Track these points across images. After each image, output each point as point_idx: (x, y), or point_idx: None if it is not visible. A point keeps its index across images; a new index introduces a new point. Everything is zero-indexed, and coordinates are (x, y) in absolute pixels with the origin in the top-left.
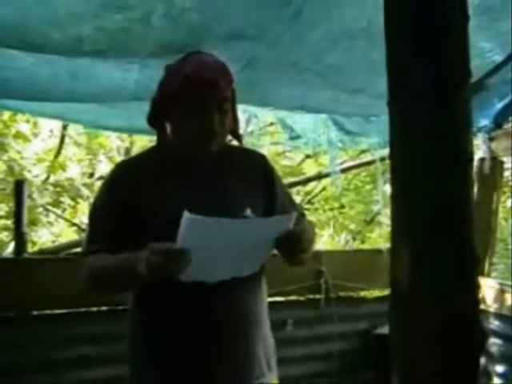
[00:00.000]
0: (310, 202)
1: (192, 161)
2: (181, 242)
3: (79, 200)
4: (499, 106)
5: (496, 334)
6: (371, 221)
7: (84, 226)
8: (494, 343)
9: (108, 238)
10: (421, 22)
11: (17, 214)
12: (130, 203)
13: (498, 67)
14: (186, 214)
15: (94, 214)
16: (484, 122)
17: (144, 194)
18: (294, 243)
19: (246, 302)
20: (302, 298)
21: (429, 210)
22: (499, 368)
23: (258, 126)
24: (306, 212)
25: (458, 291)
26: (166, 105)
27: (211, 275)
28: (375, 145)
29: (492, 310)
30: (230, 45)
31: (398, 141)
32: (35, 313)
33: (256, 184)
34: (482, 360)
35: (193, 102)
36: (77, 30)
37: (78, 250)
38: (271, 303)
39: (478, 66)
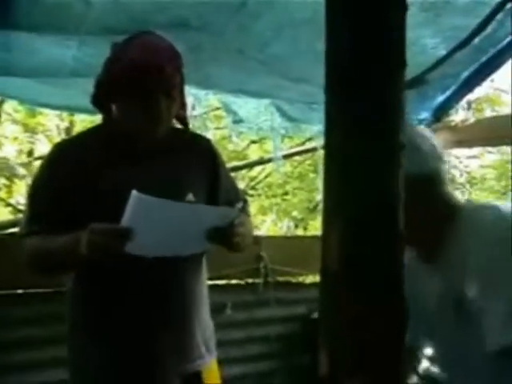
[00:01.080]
0: (253, 187)
1: (138, 144)
2: (126, 220)
3: (15, 180)
4: (440, 99)
5: None
6: (314, 208)
7: (20, 207)
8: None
9: (48, 218)
10: (359, 11)
11: None
12: (71, 183)
13: (440, 62)
14: (134, 193)
15: (33, 194)
16: (424, 115)
17: (87, 175)
18: (228, 237)
19: (185, 284)
20: (241, 282)
21: (359, 197)
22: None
23: (204, 110)
24: (250, 198)
25: (386, 275)
26: (111, 87)
27: (152, 251)
28: (318, 132)
29: None
30: (173, 32)
31: (332, 128)
32: None
33: (200, 168)
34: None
35: (138, 87)
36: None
37: (13, 230)
38: (211, 286)
39: (420, 61)
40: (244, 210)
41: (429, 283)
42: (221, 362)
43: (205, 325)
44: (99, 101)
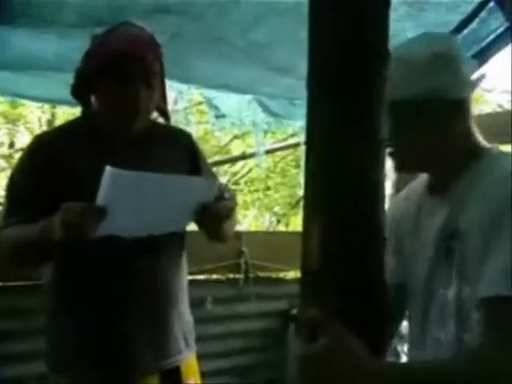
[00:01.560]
0: (235, 182)
1: (117, 137)
2: (101, 196)
3: None
4: None
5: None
6: (296, 204)
7: (1, 199)
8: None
9: (27, 209)
10: (342, 3)
11: None
12: (50, 175)
13: None
14: (108, 168)
15: (12, 186)
16: None
17: (66, 167)
18: (215, 215)
19: (164, 277)
20: (221, 277)
21: (340, 193)
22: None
23: (186, 105)
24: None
25: (367, 268)
26: (91, 78)
27: (128, 230)
28: (300, 128)
29: None
30: (154, 19)
31: (314, 124)
32: None
33: (181, 163)
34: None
35: (118, 76)
36: None
37: None
38: (191, 281)
39: None
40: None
41: (433, 214)
42: (201, 357)
43: (184, 319)
44: (79, 92)
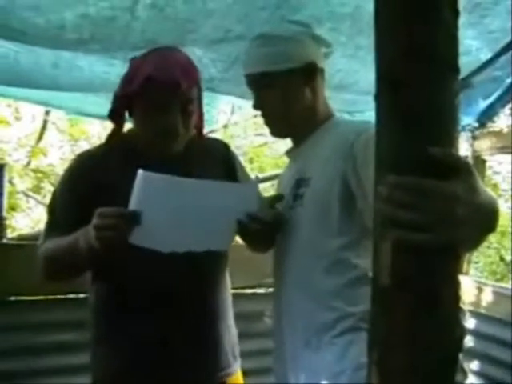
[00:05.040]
0: None
1: (155, 159)
2: (134, 203)
3: None
4: (483, 104)
5: (472, 332)
6: None
7: None
8: (470, 340)
9: (67, 226)
10: (410, 17)
11: None
12: (90, 197)
13: (485, 65)
14: (140, 171)
15: (53, 206)
16: (467, 120)
17: (104, 185)
18: (260, 225)
19: (210, 295)
20: None
21: None
22: (473, 365)
23: (243, 118)
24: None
25: (440, 288)
26: (128, 101)
27: (165, 244)
28: None
29: (468, 307)
30: (218, 47)
31: (382, 133)
32: (13, 298)
33: (217, 176)
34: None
35: (154, 103)
36: (60, 16)
37: None
38: (252, 294)
39: (464, 63)
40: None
41: (289, 170)
42: (260, 372)
43: (231, 332)
44: (116, 115)
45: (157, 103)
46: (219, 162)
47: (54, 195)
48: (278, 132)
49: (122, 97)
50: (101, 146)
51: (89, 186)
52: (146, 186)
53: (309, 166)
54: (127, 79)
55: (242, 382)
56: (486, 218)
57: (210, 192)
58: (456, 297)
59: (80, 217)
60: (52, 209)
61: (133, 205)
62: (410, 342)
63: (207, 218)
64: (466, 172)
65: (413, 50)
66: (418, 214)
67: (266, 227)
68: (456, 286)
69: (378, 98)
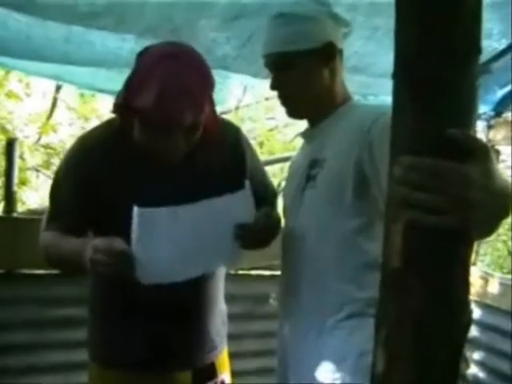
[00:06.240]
0: None
1: (158, 162)
2: (136, 240)
3: None
4: (500, 93)
5: (477, 322)
6: None
7: None
8: (475, 331)
9: (69, 216)
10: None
11: (7, 173)
12: (92, 189)
13: (505, 51)
14: (136, 209)
15: (56, 190)
16: (484, 108)
17: (108, 182)
18: (256, 233)
19: (205, 277)
20: None
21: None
22: (477, 355)
23: (255, 99)
24: None
25: (451, 272)
26: (131, 112)
27: (176, 274)
28: None
29: (474, 298)
30: (232, 24)
31: (399, 118)
32: (23, 271)
33: (225, 163)
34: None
35: (154, 128)
36: None
37: None
38: (257, 276)
39: (483, 47)
40: (270, 203)
41: (304, 151)
42: (266, 353)
43: (219, 313)
44: (120, 112)
45: (157, 130)
46: (229, 151)
47: (56, 183)
48: (295, 113)
49: (126, 101)
50: (101, 136)
51: (91, 179)
52: (143, 222)
53: (324, 147)
54: (131, 87)
55: (227, 360)
56: (500, 203)
57: (206, 211)
58: (466, 281)
59: (82, 207)
60: (54, 198)
61: (135, 243)
62: (418, 325)
63: (210, 238)
64: (482, 155)
65: (433, 28)
66: (431, 195)
67: (263, 232)
68: (466, 270)
69: (395, 76)
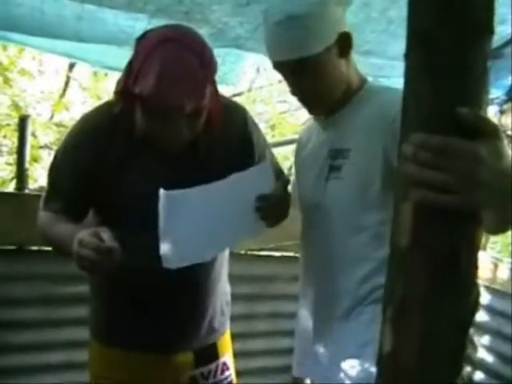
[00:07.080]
0: None
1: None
2: (164, 224)
3: None
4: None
5: (486, 307)
6: None
7: None
8: (483, 316)
9: (67, 199)
10: None
11: (20, 150)
12: (93, 172)
13: None
14: (162, 192)
15: (54, 171)
16: (496, 93)
17: (110, 164)
18: (275, 203)
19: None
20: (297, 254)
21: None
22: (484, 340)
23: (268, 82)
24: None
25: (460, 251)
26: (131, 99)
27: (203, 253)
28: None
29: (483, 283)
30: (245, 10)
31: (411, 96)
32: (34, 248)
33: (232, 145)
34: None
35: (155, 116)
36: None
37: None
38: (267, 257)
39: (497, 31)
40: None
41: (319, 138)
42: (274, 334)
43: (223, 294)
44: (121, 98)
45: (160, 116)
46: (236, 134)
47: (55, 163)
48: (317, 112)
49: (127, 88)
50: (105, 114)
51: (92, 161)
52: (170, 205)
53: (346, 136)
54: (130, 73)
55: (229, 341)
56: (509, 184)
57: (227, 188)
58: (475, 261)
59: (80, 189)
60: (52, 178)
61: (162, 226)
62: (426, 304)
63: (234, 213)
64: (493, 135)
65: (447, 7)
66: (441, 173)
67: (282, 203)
68: (475, 250)
69: (408, 55)
